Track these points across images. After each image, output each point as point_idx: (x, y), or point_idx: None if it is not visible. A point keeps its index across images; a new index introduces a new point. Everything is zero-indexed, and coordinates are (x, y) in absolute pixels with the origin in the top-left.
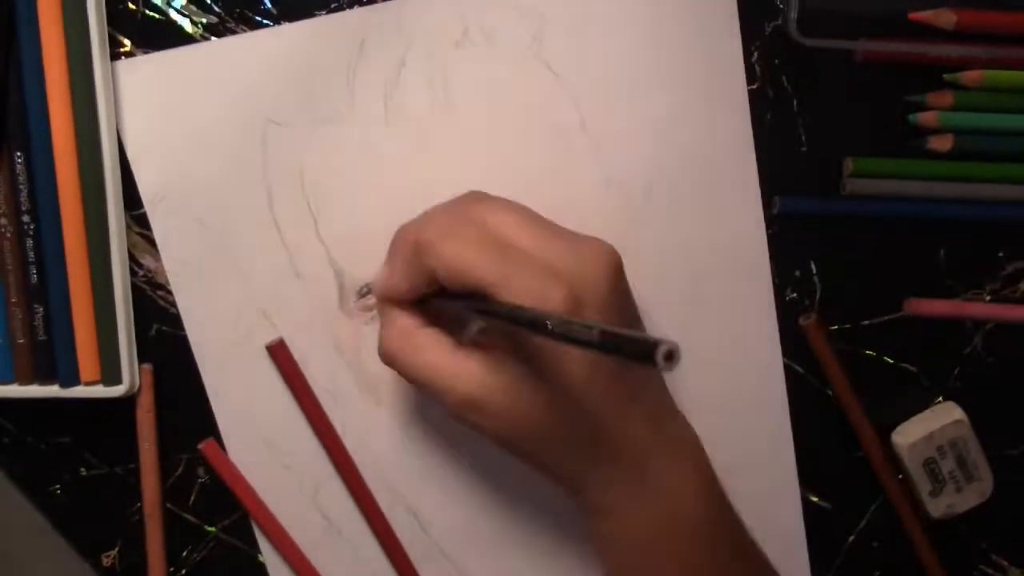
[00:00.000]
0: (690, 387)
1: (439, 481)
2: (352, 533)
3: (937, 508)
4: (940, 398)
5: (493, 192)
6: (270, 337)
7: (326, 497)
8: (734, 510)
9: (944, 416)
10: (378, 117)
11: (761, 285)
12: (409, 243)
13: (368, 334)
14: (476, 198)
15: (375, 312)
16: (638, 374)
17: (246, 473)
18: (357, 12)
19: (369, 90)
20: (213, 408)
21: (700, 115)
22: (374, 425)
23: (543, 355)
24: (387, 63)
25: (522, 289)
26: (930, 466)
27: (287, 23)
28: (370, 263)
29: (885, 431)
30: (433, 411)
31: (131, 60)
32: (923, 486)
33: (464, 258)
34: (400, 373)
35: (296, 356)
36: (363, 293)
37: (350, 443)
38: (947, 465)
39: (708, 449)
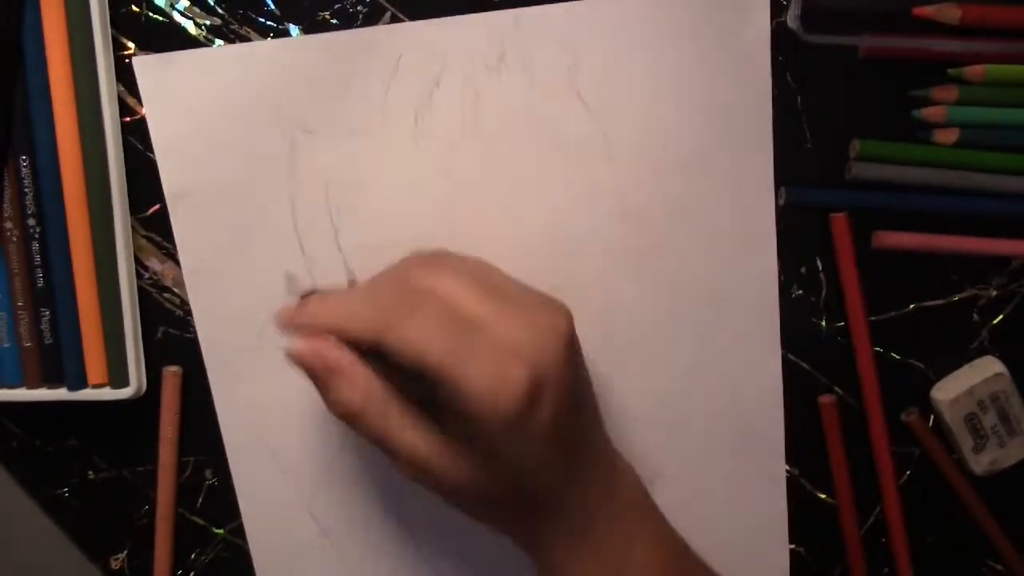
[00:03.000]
0: (690, 424)
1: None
2: (344, 542)
3: (980, 464)
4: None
5: (518, 216)
6: (279, 341)
7: (322, 504)
8: (690, 552)
9: (984, 370)
10: (408, 134)
11: (771, 333)
12: (367, 318)
13: None
14: (422, 262)
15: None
16: (580, 443)
17: (243, 473)
18: (397, 27)
19: (401, 106)
20: (215, 405)
21: (724, 156)
22: None
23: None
24: (422, 81)
25: (481, 372)
26: (971, 422)
27: (324, 32)
28: None
29: (923, 390)
30: None
31: (165, 55)
32: (965, 442)
33: (423, 339)
34: (358, 431)
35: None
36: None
37: (351, 451)
38: (989, 420)
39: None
